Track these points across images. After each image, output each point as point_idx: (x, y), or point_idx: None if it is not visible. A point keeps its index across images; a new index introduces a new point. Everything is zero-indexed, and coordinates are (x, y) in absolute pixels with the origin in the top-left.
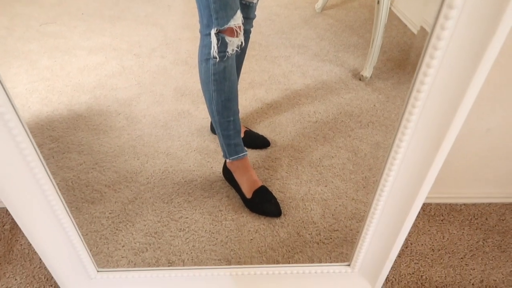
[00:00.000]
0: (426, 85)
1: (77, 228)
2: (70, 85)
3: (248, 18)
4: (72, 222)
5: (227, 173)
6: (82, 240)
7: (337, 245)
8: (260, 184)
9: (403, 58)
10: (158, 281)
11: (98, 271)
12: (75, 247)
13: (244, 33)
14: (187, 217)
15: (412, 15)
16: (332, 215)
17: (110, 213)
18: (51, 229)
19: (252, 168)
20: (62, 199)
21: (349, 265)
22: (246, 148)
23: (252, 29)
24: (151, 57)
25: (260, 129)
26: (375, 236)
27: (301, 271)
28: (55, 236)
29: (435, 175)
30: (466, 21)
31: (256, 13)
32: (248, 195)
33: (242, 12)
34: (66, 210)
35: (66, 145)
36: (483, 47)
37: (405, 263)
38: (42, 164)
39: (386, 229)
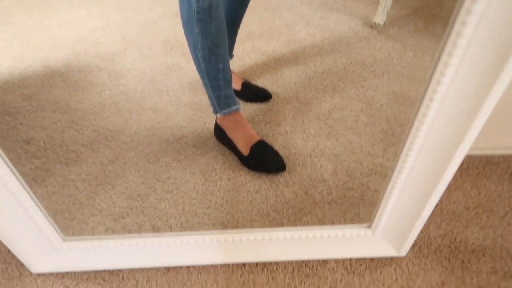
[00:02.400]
0: (464, 38)
1: (31, 194)
2: (47, 40)
3: None
4: (24, 187)
5: (219, 132)
6: (38, 205)
7: (353, 205)
8: (257, 138)
9: (420, 5)
10: (139, 250)
11: (64, 240)
12: (30, 214)
13: None
14: (176, 178)
15: None
16: (346, 171)
17: (86, 175)
18: None
19: (248, 123)
20: (9, 163)
21: (369, 226)
22: (242, 102)
23: None
24: (137, 10)
25: (261, 82)
26: (402, 194)
27: (311, 234)
28: (3, 205)
29: (483, 122)
30: None
31: None
32: (245, 151)
33: None
34: (14, 174)
35: (40, 103)
36: None
37: (435, 224)
38: None
39: (416, 186)
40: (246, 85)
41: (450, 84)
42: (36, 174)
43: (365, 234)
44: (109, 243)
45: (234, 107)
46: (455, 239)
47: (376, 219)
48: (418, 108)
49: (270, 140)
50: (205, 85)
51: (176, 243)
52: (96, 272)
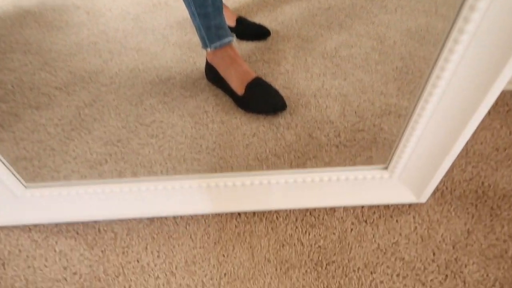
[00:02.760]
0: None
1: None
2: None
3: None
4: None
5: (211, 72)
6: None
7: (364, 147)
8: (253, 75)
9: None
10: (117, 198)
11: (26, 188)
12: None
13: None
14: (161, 121)
15: None
16: (355, 112)
17: (59, 120)
18: None
19: (243, 59)
20: None
21: (386, 168)
22: (237, 41)
23: None
24: None
25: (258, 19)
26: (424, 136)
27: (317, 178)
28: None
29: None
30: None
31: None
32: (240, 91)
33: None
34: None
35: (9, 44)
36: None
37: (460, 166)
38: None
39: (441, 126)
40: (241, 21)
41: None
42: (2, 119)
43: (381, 176)
44: (80, 189)
45: (226, 39)
46: (483, 183)
47: (393, 161)
48: (448, 34)
49: (269, 80)
50: (192, 15)
51: (158, 189)
52: (69, 225)
